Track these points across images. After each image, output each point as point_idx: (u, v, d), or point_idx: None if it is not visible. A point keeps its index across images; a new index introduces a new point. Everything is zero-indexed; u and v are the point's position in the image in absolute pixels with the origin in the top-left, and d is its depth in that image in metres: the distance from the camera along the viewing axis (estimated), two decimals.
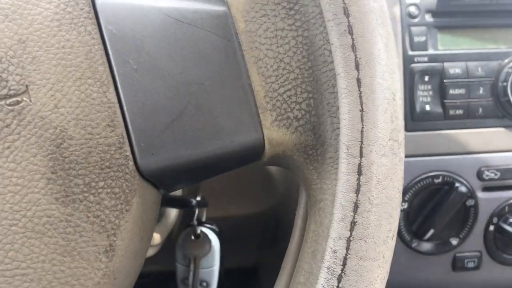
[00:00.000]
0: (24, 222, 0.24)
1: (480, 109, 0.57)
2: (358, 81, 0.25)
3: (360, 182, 0.25)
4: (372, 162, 0.25)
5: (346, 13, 0.25)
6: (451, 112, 0.56)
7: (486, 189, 0.58)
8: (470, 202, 0.57)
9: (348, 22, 0.25)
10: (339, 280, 0.25)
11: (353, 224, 0.25)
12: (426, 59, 0.56)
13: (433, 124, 0.56)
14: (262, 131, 0.28)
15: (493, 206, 0.58)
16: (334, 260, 0.25)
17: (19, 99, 0.25)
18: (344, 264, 0.25)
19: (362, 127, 0.25)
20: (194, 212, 0.58)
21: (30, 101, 0.25)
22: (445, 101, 0.56)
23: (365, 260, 0.25)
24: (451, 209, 0.56)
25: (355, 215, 0.25)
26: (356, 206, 0.25)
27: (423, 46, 0.56)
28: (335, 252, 0.25)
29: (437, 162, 0.57)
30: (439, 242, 0.58)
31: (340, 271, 0.25)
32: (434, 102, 0.56)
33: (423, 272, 0.59)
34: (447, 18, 0.57)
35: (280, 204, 0.69)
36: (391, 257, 0.27)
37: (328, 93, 0.27)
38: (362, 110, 0.25)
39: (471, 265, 0.59)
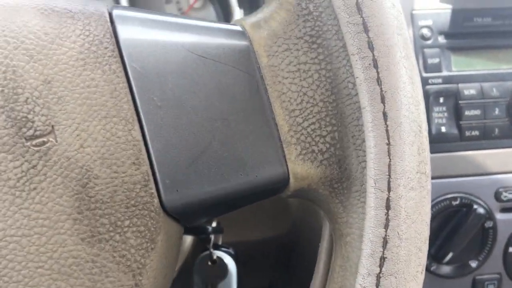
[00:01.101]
0: (50, 264, 0.24)
1: (496, 130, 0.56)
2: (384, 114, 0.25)
3: (389, 217, 0.25)
4: (401, 196, 0.25)
5: (371, 47, 0.25)
6: (467, 133, 0.56)
7: (504, 210, 0.57)
8: (489, 224, 0.57)
9: (373, 55, 0.25)
10: None
11: (382, 260, 0.25)
12: (440, 80, 0.56)
13: (449, 146, 0.56)
14: (287, 165, 0.28)
15: None
16: None
17: (45, 139, 0.25)
18: None
19: (390, 161, 0.25)
20: (210, 238, 0.58)
21: (56, 141, 0.25)
22: (460, 122, 0.56)
23: None
24: (470, 231, 0.56)
25: (385, 251, 0.25)
26: (385, 242, 0.25)
27: (437, 68, 0.56)
28: None
29: (454, 184, 0.56)
30: (458, 265, 0.57)
31: None
32: (450, 123, 0.56)
33: None
34: (460, 40, 0.57)
35: (295, 228, 0.68)
36: None
37: (352, 126, 0.27)
38: (389, 144, 0.25)
39: (491, 287, 0.58)
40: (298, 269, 0.73)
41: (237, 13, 0.67)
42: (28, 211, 0.24)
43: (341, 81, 0.27)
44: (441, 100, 0.56)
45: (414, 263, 0.25)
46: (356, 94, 0.27)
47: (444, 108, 0.56)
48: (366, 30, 0.25)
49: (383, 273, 0.25)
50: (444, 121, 0.56)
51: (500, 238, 0.57)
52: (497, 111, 0.56)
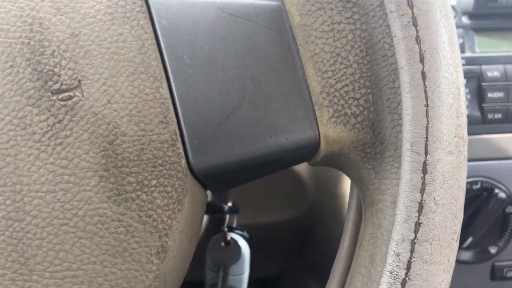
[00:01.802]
0: (76, 222, 0.23)
1: None
2: (423, 74, 0.24)
3: (425, 181, 0.24)
4: (438, 160, 0.24)
5: (410, 4, 0.24)
6: (490, 116, 0.55)
7: None
8: (510, 209, 0.56)
9: (412, 13, 0.24)
10: (402, 285, 0.24)
11: (417, 225, 0.24)
12: (463, 62, 0.55)
13: (471, 129, 0.55)
14: (318, 128, 0.27)
15: None
16: (398, 263, 0.24)
17: (71, 94, 0.24)
18: (408, 268, 0.24)
19: (427, 123, 0.24)
20: (225, 219, 0.57)
21: (83, 96, 0.24)
22: (483, 104, 0.55)
23: (430, 263, 0.24)
24: (490, 216, 0.55)
25: (420, 216, 0.24)
26: (421, 207, 0.24)
27: (460, 49, 0.55)
28: (398, 255, 0.24)
29: (475, 167, 0.55)
30: (478, 251, 0.56)
31: (404, 275, 0.24)
32: (472, 105, 0.55)
33: (461, 282, 0.57)
34: (484, 20, 0.56)
35: (311, 212, 0.67)
36: (455, 261, 0.26)
37: (387, 88, 0.26)
38: (427, 105, 0.24)
39: (510, 274, 0.57)
40: (313, 252, 0.73)
41: None
42: (54, 166, 0.23)
43: (377, 42, 0.26)
44: (464, 81, 0.55)
45: (450, 230, 0.24)
46: (392, 55, 0.26)
47: (467, 90, 0.55)
48: None
49: (418, 239, 0.24)
50: (466, 103, 0.55)
51: None
52: None
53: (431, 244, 0.24)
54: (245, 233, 0.60)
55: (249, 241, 0.60)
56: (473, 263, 0.57)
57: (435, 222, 0.24)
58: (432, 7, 0.24)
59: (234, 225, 0.60)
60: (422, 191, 0.24)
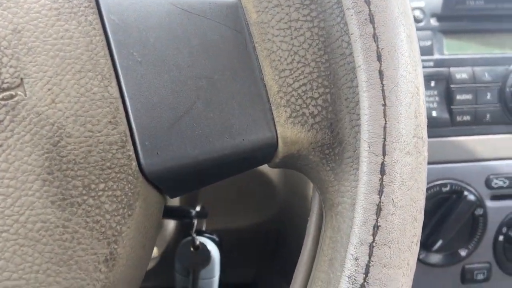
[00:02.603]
0: (16, 228, 0.22)
1: (488, 115, 0.55)
2: (381, 73, 0.23)
3: (383, 183, 0.23)
4: (396, 161, 0.23)
5: (367, 1, 0.23)
6: (458, 118, 0.55)
7: (494, 197, 0.56)
8: (479, 212, 0.56)
9: (369, 10, 0.23)
10: None
11: (376, 228, 0.23)
12: (432, 64, 0.55)
13: (440, 131, 0.55)
14: (276, 129, 0.26)
15: (502, 215, 0.56)
16: (356, 268, 0.23)
17: (13, 93, 0.23)
18: (366, 272, 0.23)
19: (385, 123, 0.23)
20: (193, 223, 0.56)
21: (25, 95, 0.23)
22: (452, 107, 0.55)
23: (389, 267, 0.23)
24: (460, 218, 0.54)
25: (378, 219, 0.23)
26: (379, 209, 0.23)
27: (428, 51, 0.55)
28: (356, 259, 0.23)
29: (445, 170, 0.55)
30: (448, 253, 0.56)
31: (362, 280, 0.23)
32: (441, 108, 0.55)
33: (431, 285, 0.57)
34: (453, 22, 0.56)
35: (281, 215, 0.67)
36: (415, 264, 0.25)
37: (346, 88, 0.26)
38: (385, 105, 0.23)
39: (480, 277, 0.57)
40: (285, 257, 0.72)
41: None
42: None
43: (335, 40, 0.26)
44: (433, 84, 0.55)
45: (409, 232, 0.24)
46: (351, 54, 0.25)
47: (436, 92, 0.55)
48: None
49: (376, 242, 0.23)
50: (435, 105, 0.55)
51: (490, 226, 0.56)
52: (488, 96, 0.55)
53: (389, 247, 0.23)
54: (214, 237, 0.59)
55: (219, 244, 0.59)
56: (443, 266, 0.56)
57: (393, 225, 0.23)
58: (389, 3, 0.23)
59: (204, 228, 0.59)
60: (380, 193, 0.23)
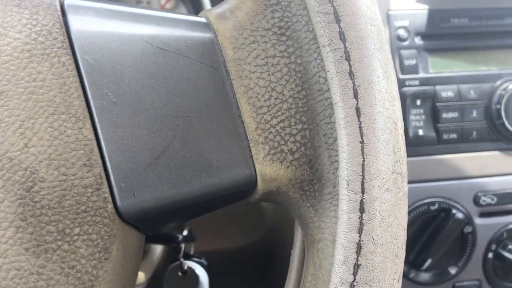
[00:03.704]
0: None
1: (474, 133, 0.55)
2: (357, 110, 0.23)
3: (363, 221, 0.23)
4: (375, 198, 0.23)
5: (343, 38, 0.23)
6: (445, 136, 0.55)
7: (483, 215, 0.56)
8: (468, 229, 0.55)
9: (345, 47, 0.23)
10: None
11: (356, 267, 0.23)
12: (417, 82, 0.55)
13: (427, 149, 0.55)
14: (254, 166, 0.26)
15: (491, 233, 0.56)
16: None
17: None
18: None
19: (363, 160, 0.23)
20: (181, 248, 0.55)
21: None
22: (438, 125, 0.55)
23: None
24: (449, 237, 0.54)
25: (359, 257, 0.23)
26: (359, 247, 0.23)
27: (413, 70, 0.55)
28: None
29: (432, 188, 0.55)
30: (437, 272, 0.56)
31: None
32: (427, 126, 0.55)
33: None
34: (437, 41, 0.56)
35: (270, 236, 0.66)
36: None
37: (324, 124, 0.25)
38: (362, 142, 0.23)
39: None
40: (274, 278, 0.71)
41: None
42: None
43: (312, 76, 0.25)
44: (418, 102, 0.55)
45: (390, 270, 0.24)
46: (328, 90, 0.25)
47: (422, 111, 0.55)
48: (337, 20, 0.23)
49: (357, 282, 0.23)
50: (421, 124, 0.55)
51: (480, 244, 0.56)
52: (474, 114, 0.55)
53: (371, 286, 0.23)
54: (203, 260, 0.58)
55: (207, 268, 0.58)
56: (433, 284, 0.56)
57: (374, 263, 0.23)
58: (365, 40, 0.23)
59: (192, 252, 0.59)
60: (360, 231, 0.23)
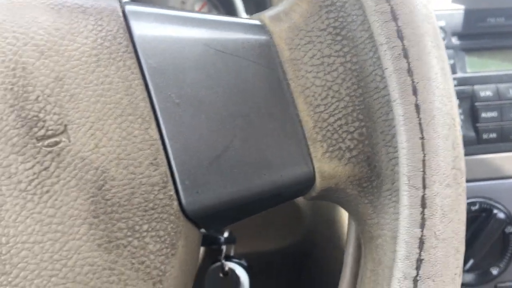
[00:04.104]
0: (65, 272, 0.23)
1: None
2: (417, 107, 0.23)
3: (425, 216, 0.23)
4: (437, 194, 0.23)
5: (400, 36, 0.23)
6: (485, 136, 0.54)
7: None
8: (510, 229, 0.55)
9: (403, 45, 0.23)
10: None
11: (419, 262, 0.23)
12: (455, 82, 0.54)
13: (466, 149, 0.54)
14: (313, 164, 0.26)
15: None
16: None
17: (57, 139, 0.23)
18: None
19: (424, 156, 0.23)
20: (222, 249, 0.56)
21: (69, 141, 0.23)
22: (477, 124, 0.54)
23: None
24: (490, 237, 0.54)
25: (421, 252, 0.23)
26: (421, 242, 0.23)
27: (451, 70, 0.55)
28: None
29: (473, 188, 0.55)
30: (479, 273, 0.56)
31: None
32: (466, 126, 0.55)
33: None
34: (474, 40, 0.56)
35: (308, 238, 0.66)
36: None
37: (381, 121, 0.26)
38: (422, 138, 0.23)
39: None
40: (311, 280, 0.71)
41: None
42: (41, 215, 0.22)
43: (368, 74, 0.26)
44: (457, 102, 0.54)
45: (452, 265, 0.24)
46: (385, 87, 0.26)
47: (460, 111, 0.55)
48: (394, 18, 0.24)
49: (420, 276, 0.23)
50: (461, 124, 0.54)
51: None
52: None
53: (433, 281, 0.23)
54: (243, 262, 0.58)
55: (247, 269, 0.59)
56: (475, 285, 0.56)
57: (437, 258, 0.23)
58: (422, 38, 0.24)
59: (232, 253, 0.59)
60: (422, 226, 0.23)
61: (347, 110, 0.26)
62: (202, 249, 0.59)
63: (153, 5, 0.28)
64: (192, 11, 0.29)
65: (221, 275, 0.57)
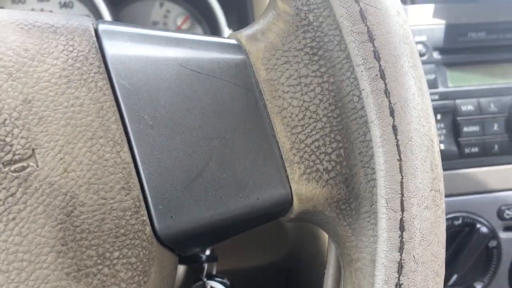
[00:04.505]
0: None
1: (496, 146, 0.55)
2: (394, 128, 0.23)
3: (404, 239, 0.23)
4: (415, 216, 0.23)
5: (377, 57, 0.23)
6: (467, 150, 0.54)
7: (507, 228, 0.56)
8: (493, 243, 0.55)
9: (380, 66, 0.23)
10: None
11: (398, 286, 0.23)
12: (437, 97, 0.55)
13: (449, 164, 0.55)
14: (290, 186, 0.26)
15: None
16: None
17: (24, 164, 0.22)
18: None
19: (402, 178, 0.23)
20: (204, 267, 0.55)
21: (37, 166, 0.22)
22: (459, 139, 0.54)
23: None
24: (474, 251, 0.54)
25: (400, 277, 0.23)
26: (400, 266, 0.23)
27: (433, 84, 0.55)
28: None
29: (456, 203, 0.55)
30: (464, 287, 0.55)
31: None
32: (448, 140, 0.55)
33: None
34: (455, 55, 0.56)
35: (293, 254, 0.66)
36: None
37: (359, 142, 0.25)
38: (400, 160, 0.23)
39: None
40: None
41: (226, 33, 0.66)
42: (6, 244, 0.22)
43: (346, 94, 0.26)
44: (439, 117, 0.55)
45: None
46: (362, 108, 0.25)
47: (442, 125, 0.55)
48: (371, 39, 0.23)
49: None
50: (442, 138, 0.55)
51: (505, 258, 0.55)
52: (495, 127, 0.55)
53: None
54: (225, 280, 0.58)
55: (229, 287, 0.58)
56: None
57: (416, 282, 0.23)
58: (399, 58, 0.23)
59: (214, 272, 0.58)
60: (401, 250, 0.23)
61: (325, 131, 0.26)
62: (183, 267, 0.58)
63: (129, 23, 0.28)
64: (168, 30, 0.28)
65: None
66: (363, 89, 0.23)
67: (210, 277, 0.57)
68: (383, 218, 0.23)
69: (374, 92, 0.23)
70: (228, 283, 0.57)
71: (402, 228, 0.23)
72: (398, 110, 0.23)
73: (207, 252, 0.56)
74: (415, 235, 0.23)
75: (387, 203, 0.23)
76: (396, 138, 0.23)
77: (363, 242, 0.25)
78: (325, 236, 0.61)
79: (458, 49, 0.56)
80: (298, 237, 0.63)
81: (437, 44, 0.56)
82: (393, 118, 0.23)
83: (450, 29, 0.55)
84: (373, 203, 0.25)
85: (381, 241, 0.23)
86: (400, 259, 0.23)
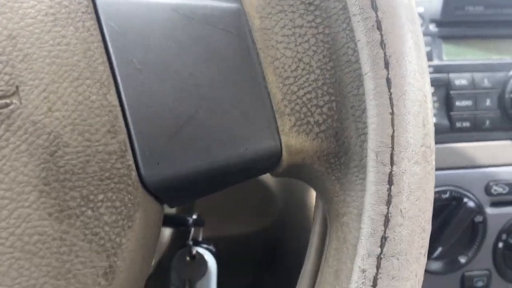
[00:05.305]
0: (12, 241, 0.21)
1: (487, 121, 0.55)
2: (388, 81, 0.22)
3: (391, 193, 0.23)
4: (404, 171, 0.23)
5: (374, 7, 0.23)
6: (458, 124, 0.54)
7: (494, 204, 0.56)
8: (479, 218, 0.55)
9: (377, 16, 0.22)
10: None
11: (383, 239, 0.23)
12: (431, 70, 0.54)
13: (439, 137, 0.54)
14: (280, 138, 0.25)
15: (502, 222, 0.56)
16: (363, 280, 0.23)
17: (8, 101, 0.22)
18: (374, 285, 0.22)
19: (393, 132, 0.22)
20: (190, 232, 0.55)
21: (21, 103, 0.22)
22: (451, 113, 0.54)
23: (397, 280, 0.23)
24: (460, 225, 0.54)
25: (386, 230, 0.23)
26: (387, 220, 0.23)
27: (428, 57, 0.54)
28: (364, 271, 0.23)
29: (444, 176, 0.55)
30: (447, 261, 0.56)
31: None
32: (440, 114, 0.54)
33: None
34: (452, 28, 0.55)
35: (280, 223, 0.66)
36: (423, 276, 0.24)
37: (352, 96, 0.25)
38: (392, 113, 0.22)
39: (480, 284, 0.57)
40: (283, 265, 0.71)
41: None
42: None
43: (340, 47, 0.25)
44: (432, 90, 0.54)
45: (417, 244, 0.23)
46: (356, 61, 0.25)
47: (435, 99, 0.54)
48: None
49: (384, 254, 0.23)
50: (434, 111, 0.54)
51: (490, 233, 0.56)
52: (488, 102, 0.55)
53: (398, 259, 0.23)
54: (211, 247, 0.58)
55: (215, 255, 0.58)
56: (443, 273, 0.56)
57: (402, 236, 0.23)
58: (397, 10, 0.23)
59: (200, 238, 0.58)
60: (388, 203, 0.23)
61: (317, 84, 0.25)
62: (169, 232, 0.58)
63: None
64: None
65: (188, 258, 0.56)
66: (358, 40, 0.23)
67: (196, 243, 0.57)
68: (371, 172, 0.23)
69: (370, 43, 0.23)
70: (214, 249, 0.57)
71: (390, 182, 0.22)
72: (393, 62, 0.22)
73: (194, 216, 0.56)
74: (404, 190, 0.23)
75: (376, 156, 0.23)
76: (389, 91, 0.22)
77: (351, 196, 0.25)
78: (312, 203, 0.61)
79: (455, 22, 0.56)
80: (286, 205, 0.63)
81: (434, 16, 0.55)
82: (388, 71, 0.22)
83: (448, 2, 0.55)
84: (362, 158, 0.25)
85: (368, 194, 0.23)
86: (387, 213, 0.22)
